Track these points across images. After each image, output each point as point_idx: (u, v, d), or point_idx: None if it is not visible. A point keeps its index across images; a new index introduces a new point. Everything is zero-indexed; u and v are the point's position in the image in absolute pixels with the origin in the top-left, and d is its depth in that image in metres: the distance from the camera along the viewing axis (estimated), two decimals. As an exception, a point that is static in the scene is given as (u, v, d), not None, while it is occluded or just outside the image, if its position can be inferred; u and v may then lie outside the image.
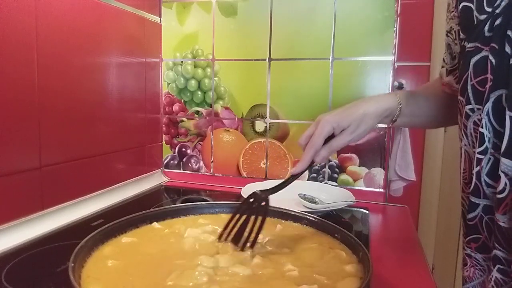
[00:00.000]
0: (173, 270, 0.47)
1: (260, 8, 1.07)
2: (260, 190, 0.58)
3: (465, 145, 0.51)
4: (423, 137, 1.11)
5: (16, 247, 0.66)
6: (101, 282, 0.45)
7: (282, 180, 0.59)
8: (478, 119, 0.47)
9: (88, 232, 0.52)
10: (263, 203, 0.57)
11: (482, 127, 0.45)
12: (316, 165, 0.60)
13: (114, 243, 0.55)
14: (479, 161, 0.46)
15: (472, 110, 0.48)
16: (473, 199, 0.47)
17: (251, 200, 0.58)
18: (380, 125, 1.01)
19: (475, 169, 0.46)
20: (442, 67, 0.62)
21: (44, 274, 0.56)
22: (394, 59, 0.98)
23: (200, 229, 0.60)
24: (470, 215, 0.48)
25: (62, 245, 0.67)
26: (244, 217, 0.56)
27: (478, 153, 0.46)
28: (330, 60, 1.03)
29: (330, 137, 0.58)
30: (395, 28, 0.97)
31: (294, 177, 0.59)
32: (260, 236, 0.55)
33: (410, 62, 1.04)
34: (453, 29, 0.55)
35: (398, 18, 0.97)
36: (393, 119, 0.61)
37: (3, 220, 0.67)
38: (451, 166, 1.39)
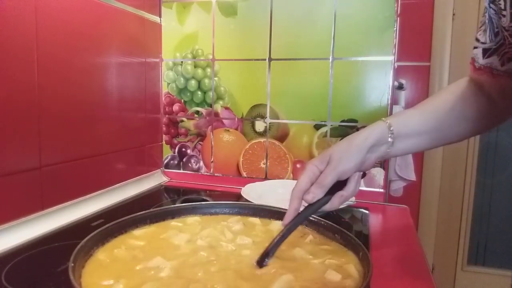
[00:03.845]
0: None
1: (260, 8, 1.07)
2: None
3: None
4: (423, 137, 1.11)
5: (16, 247, 0.66)
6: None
7: (277, 237, 0.53)
8: None
9: (88, 232, 0.52)
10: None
11: None
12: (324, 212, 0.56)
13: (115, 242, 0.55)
14: None
15: None
16: None
17: None
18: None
19: None
20: (475, 47, 0.52)
21: (44, 274, 0.56)
22: (394, 59, 0.98)
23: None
24: None
25: (62, 245, 0.67)
26: None
27: None
28: (330, 60, 1.03)
29: None
30: (395, 28, 0.97)
31: (289, 230, 0.53)
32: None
33: (410, 62, 1.04)
34: None
35: (398, 18, 0.97)
36: (389, 141, 0.55)
37: (3, 220, 0.67)
38: (451, 166, 1.39)
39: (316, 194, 0.53)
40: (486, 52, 0.51)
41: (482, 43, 0.51)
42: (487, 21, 0.49)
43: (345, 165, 0.53)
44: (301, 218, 0.55)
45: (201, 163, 1.19)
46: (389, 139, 0.55)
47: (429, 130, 0.57)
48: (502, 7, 0.45)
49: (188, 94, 1.17)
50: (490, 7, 0.48)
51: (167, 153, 1.22)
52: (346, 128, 1.04)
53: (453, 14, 1.16)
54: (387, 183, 1.02)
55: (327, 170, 0.53)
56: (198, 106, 1.17)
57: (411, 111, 0.59)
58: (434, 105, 0.59)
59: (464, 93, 0.57)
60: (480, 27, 0.51)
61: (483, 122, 0.58)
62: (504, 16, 0.45)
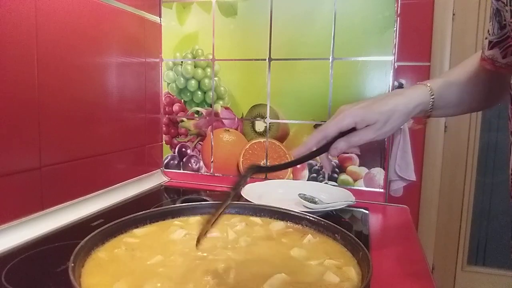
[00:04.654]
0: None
1: (260, 8, 1.07)
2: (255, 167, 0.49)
3: None
4: (423, 137, 1.11)
5: (16, 247, 0.66)
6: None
7: (283, 162, 0.54)
8: None
9: (88, 232, 0.52)
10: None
11: None
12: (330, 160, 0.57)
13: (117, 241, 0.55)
14: None
15: None
16: None
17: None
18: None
19: None
20: (486, 38, 0.53)
21: (44, 274, 0.56)
22: (394, 59, 0.98)
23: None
24: None
25: (62, 245, 0.67)
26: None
27: None
28: (330, 60, 1.03)
29: (349, 132, 0.54)
30: (395, 28, 0.97)
31: (296, 161, 0.54)
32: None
33: (410, 62, 1.04)
34: None
35: (398, 18, 0.97)
36: (426, 114, 0.56)
37: (3, 220, 0.67)
38: (451, 166, 1.39)
39: (342, 150, 0.54)
40: (489, 44, 0.52)
41: (489, 34, 0.52)
42: (492, 15, 0.50)
43: (387, 132, 0.54)
44: (310, 156, 0.55)
45: (201, 163, 1.19)
46: (429, 110, 0.56)
47: (457, 103, 0.58)
48: (505, 2, 0.46)
49: (188, 94, 1.17)
50: (498, 0, 0.48)
51: (167, 153, 1.22)
52: (346, 128, 1.03)
53: (453, 14, 1.16)
54: (387, 183, 1.02)
55: (369, 132, 0.53)
56: (198, 106, 1.17)
57: (440, 81, 0.58)
58: (459, 74, 0.59)
59: (478, 72, 0.58)
60: (490, 19, 0.52)
61: (483, 104, 0.61)
62: (507, 11, 0.46)
